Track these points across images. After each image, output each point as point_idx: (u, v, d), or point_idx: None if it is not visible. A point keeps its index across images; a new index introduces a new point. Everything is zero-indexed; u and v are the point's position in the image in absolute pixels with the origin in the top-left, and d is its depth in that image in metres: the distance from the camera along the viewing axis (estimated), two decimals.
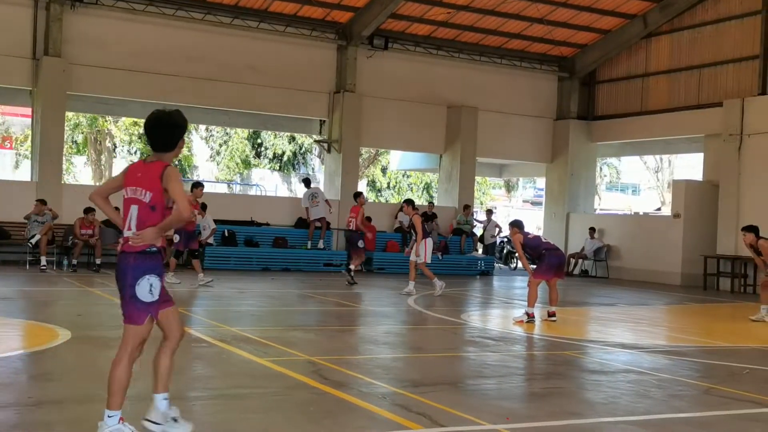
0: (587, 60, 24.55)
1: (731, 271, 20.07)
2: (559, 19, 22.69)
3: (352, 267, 16.53)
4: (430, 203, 24.14)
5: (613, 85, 24.69)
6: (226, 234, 19.35)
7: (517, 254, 18.65)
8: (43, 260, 16.40)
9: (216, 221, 18.24)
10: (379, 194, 41.72)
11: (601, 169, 40.20)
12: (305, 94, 21.55)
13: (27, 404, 5.81)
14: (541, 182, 35.41)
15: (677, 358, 9.18)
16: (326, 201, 20.42)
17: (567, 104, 24.96)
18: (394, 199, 39.92)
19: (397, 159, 30.96)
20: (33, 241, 16.55)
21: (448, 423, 5.68)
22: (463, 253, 22.47)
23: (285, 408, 5.98)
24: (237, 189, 40.57)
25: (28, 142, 26.27)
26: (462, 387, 7.20)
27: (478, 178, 30.02)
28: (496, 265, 24.03)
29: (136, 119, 32.97)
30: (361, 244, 16.64)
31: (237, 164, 39.44)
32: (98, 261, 16.88)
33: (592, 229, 23.36)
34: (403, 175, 41.89)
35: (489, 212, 26.53)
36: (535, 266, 12.07)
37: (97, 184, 33.59)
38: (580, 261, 23.47)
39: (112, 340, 8.64)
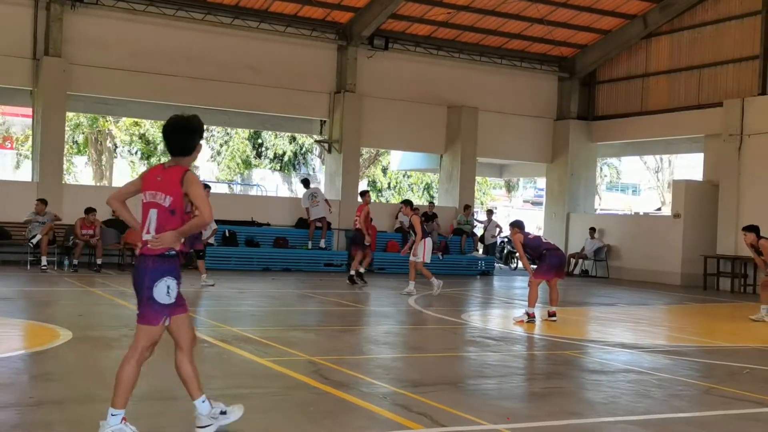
0: (587, 60, 24.56)
1: (731, 271, 20.07)
2: (559, 19, 22.70)
3: (361, 270, 16.54)
4: (431, 203, 24.14)
5: (614, 86, 24.70)
6: (227, 234, 19.36)
7: (517, 254, 18.68)
8: (44, 260, 16.41)
9: (217, 221, 18.21)
10: (379, 194, 41.72)
11: (601, 169, 40.21)
12: (306, 95, 21.56)
13: (28, 404, 5.82)
14: (541, 182, 35.44)
15: (677, 357, 9.19)
16: (326, 201, 20.43)
17: (567, 104, 24.97)
18: (395, 200, 39.91)
19: (397, 159, 30.96)
20: (34, 241, 16.56)
21: (448, 423, 5.69)
22: (464, 253, 22.48)
23: (285, 408, 5.99)
24: (237, 189, 40.59)
25: (29, 143, 26.28)
26: (462, 387, 7.21)
27: (478, 178, 30.03)
28: (496, 265, 24.04)
29: (136, 119, 33.03)
30: (367, 242, 16.67)
31: (237, 164, 39.45)
32: (99, 261, 16.89)
33: (592, 229, 23.36)
34: (404, 176, 41.91)
35: (489, 212, 26.54)
36: (535, 266, 12.07)
37: (98, 184, 33.62)
38: (581, 261, 23.47)
39: (113, 340, 8.66)
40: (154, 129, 35.68)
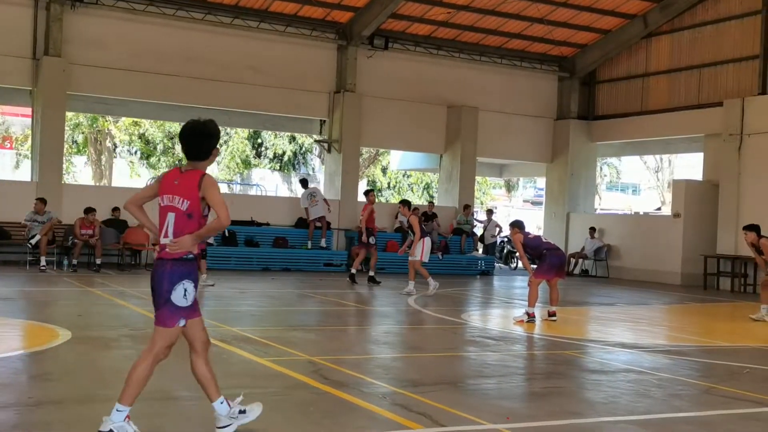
0: (587, 60, 24.55)
1: (731, 270, 20.07)
2: (559, 19, 22.69)
3: (372, 273, 16.55)
4: (431, 203, 24.13)
5: (614, 85, 24.69)
6: (227, 234, 19.35)
7: (517, 254, 18.67)
8: (43, 260, 16.39)
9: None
10: (379, 194, 41.72)
11: (601, 168, 40.20)
12: (305, 94, 21.55)
13: (27, 404, 5.82)
14: (541, 182, 35.42)
15: (677, 357, 9.18)
16: (325, 200, 20.43)
17: (567, 104, 24.96)
18: (395, 199, 39.90)
19: (397, 159, 30.95)
20: (33, 241, 16.53)
21: (448, 423, 5.68)
22: (464, 253, 22.47)
23: (285, 408, 5.98)
24: (237, 189, 40.57)
25: (29, 142, 26.27)
26: (462, 387, 7.20)
27: (478, 178, 30.02)
28: (496, 264, 24.03)
29: (136, 119, 33.02)
30: (372, 240, 16.68)
31: (237, 164, 39.44)
32: (98, 261, 16.88)
33: (592, 229, 23.36)
34: (404, 175, 41.90)
35: (489, 212, 26.54)
36: (535, 266, 12.07)
37: (97, 184, 33.61)
38: (581, 261, 23.47)
39: (112, 340, 8.66)
40: (153, 129, 35.69)
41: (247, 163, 40.35)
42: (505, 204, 51.31)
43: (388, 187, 42.65)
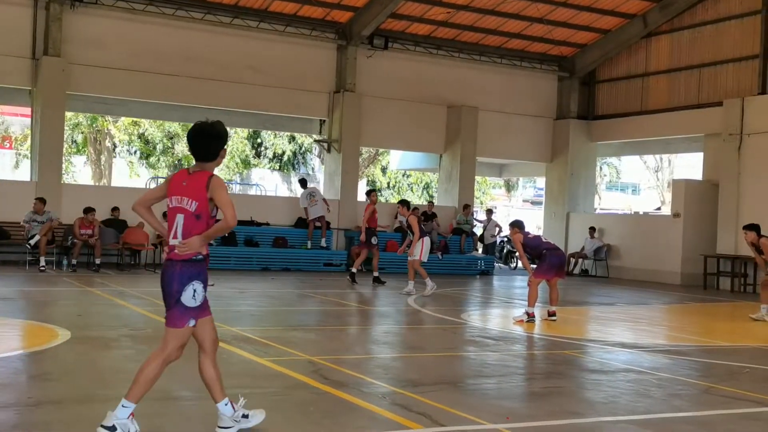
0: (587, 60, 24.55)
1: (731, 270, 20.07)
2: (558, 18, 22.69)
3: (376, 274, 16.56)
4: (430, 203, 24.12)
5: (613, 85, 24.69)
6: (226, 234, 19.29)
7: (517, 254, 18.67)
8: (42, 261, 16.37)
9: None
10: (379, 194, 41.68)
11: (601, 168, 40.20)
12: (305, 94, 21.54)
13: (27, 404, 5.81)
14: (541, 182, 35.42)
15: (677, 357, 9.18)
16: (324, 200, 20.42)
17: (567, 104, 24.96)
18: (394, 199, 39.90)
19: (397, 159, 30.95)
20: (32, 242, 16.51)
21: (448, 422, 5.68)
22: (463, 253, 22.46)
23: (285, 408, 5.98)
24: (237, 189, 40.55)
25: (28, 142, 26.27)
26: (462, 386, 7.20)
27: (478, 178, 30.02)
28: (496, 264, 24.03)
29: (135, 119, 33.00)
30: (374, 241, 16.69)
31: (237, 164, 39.43)
32: (98, 261, 16.88)
33: (592, 229, 23.36)
34: (403, 175, 41.90)
35: (489, 212, 26.53)
36: (535, 266, 12.06)
37: (97, 184, 33.59)
38: (580, 260, 23.46)
39: (111, 340, 8.66)
40: (153, 129, 35.67)
41: (246, 163, 40.35)
42: (504, 204, 51.32)
43: (388, 186, 42.65)
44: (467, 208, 23.04)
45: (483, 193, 44.40)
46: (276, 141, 40.22)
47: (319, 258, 20.01)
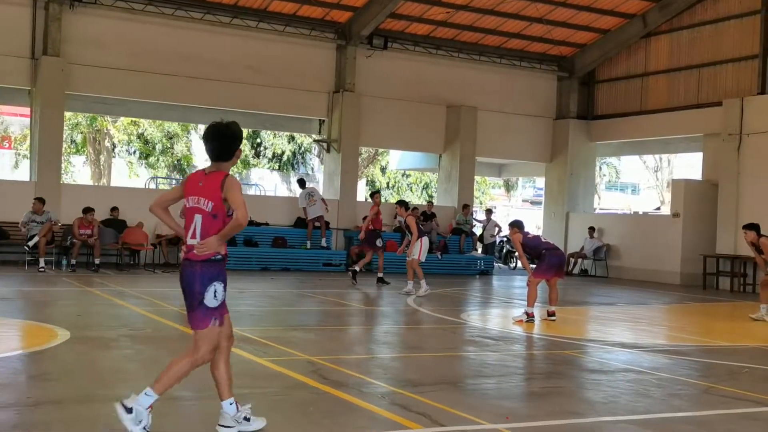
0: (586, 59, 24.55)
1: (730, 270, 20.07)
2: (558, 18, 22.69)
3: (380, 275, 16.53)
4: (430, 202, 24.12)
5: (613, 85, 24.69)
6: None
7: (516, 254, 18.66)
8: (41, 261, 16.35)
9: None
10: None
11: (600, 168, 40.20)
12: (304, 94, 21.54)
13: (26, 404, 5.81)
14: (540, 182, 35.41)
15: (677, 357, 9.18)
16: (322, 200, 20.42)
17: (566, 104, 24.96)
18: (394, 199, 39.91)
19: (396, 158, 30.94)
20: (30, 243, 16.48)
21: (447, 422, 5.68)
22: (463, 253, 22.46)
23: (285, 408, 5.98)
24: None
25: (27, 142, 26.24)
26: (462, 386, 7.20)
27: (477, 178, 30.00)
28: (495, 264, 24.03)
29: (134, 119, 32.99)
30: (379, 242, 16.69)
31: (236, 164, 39.45)
32: (97, 261, 16.87)
33: (591, 229, 23.36)
34: (403, 175, 41.89)
35: (488, 212, 26.52)
36: (534, 266, 12.06)
37: (96, 184, 33.57)
38: (580, 260, 23.46)
39: (111, 340, 8.65)
40: (152, 129, 35.66)
41: (245, 163, 40.34)
42: (504, 204, 51.31)
43: (387, 186, 42.64)
44: (466, 208, 23.04)
45: (482, 193, 44.41)
46: (275, 141, 40.21)
47: (318, 258, 20.01)
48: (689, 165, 39.67)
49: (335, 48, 21.78)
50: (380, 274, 16.63)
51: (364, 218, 20.24)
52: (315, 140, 25.22)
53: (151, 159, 37.46)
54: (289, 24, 21.03)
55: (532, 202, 52.84)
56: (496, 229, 24.91)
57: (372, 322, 11.99)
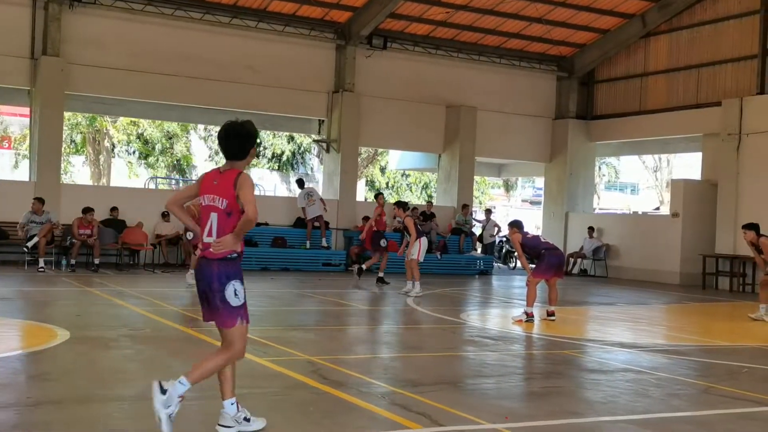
0: (586, 59, 24.56)
1: (730, 270, 20.08)
2: (557, 18, 22.70)
3: (381, 274, 16.54)
4: (429, 202, 24.13)
5: (612, 85, 24.70)
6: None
7: (516, 254, 18.67)
8: (41, 262, 16.35)
9: None
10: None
11: (599, 168, 40.20)
12: (304, 94, 21.54)
13: (26, 404, 5.81)
14: (539, 182, 35.42)
15: (676, 357, 9.18)
16: (321, 200, 20.43)
17: (566, 104, 24.97)
18: (393, 199, 39.90)
19: (395, 158, 30.94)
20: (30, 244, 16.47)
21: (447, 422, 5.68)
22: (462, 253, 22.47)
23: (284, 408, 5.98)
24: None
25: (27, 142, 26.24)
26: (461, 386, 7.20)
27: (476, 178, 30.01)
28: (495, 264, 24.03)
29: (134, 119, 32.99)
30: (383, 243, 16.70)
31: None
32: (97, 261, 16.87)
33: (591, 229, 23.37)
34: (402, 175, 41.89)
35: (488, 212, 26.52)
36: (534, 266, 12.06)
37: (95, 184, 33.57)
38: (579, 260, 23.47)
39: (110, 340, 8.65)
40: (152, 129, 35.66)
41: None
42: (503, 204, 51.31)
43: (387, 186, 42.65)
44: (466, 207, 23.05)
45: (482, 192, 44.41)
46: (275, 141, 40.21)
47: (317, 258, 20.01)
48: (688, 165, 39.68)
49: (335, 48, 21.79)
50: (380, 274, 16.64)
51: (364, 218, 20.32)
52: (314, 140, 25.22)
53: (151, 159, 37.46)
54: (289, 24, 21.03)
55: (532, 202, 52.84)
56: (496, 229, 24.91)
57: (372, 322, 12.00)
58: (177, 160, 37.49)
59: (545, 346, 10.05)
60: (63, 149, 22.70)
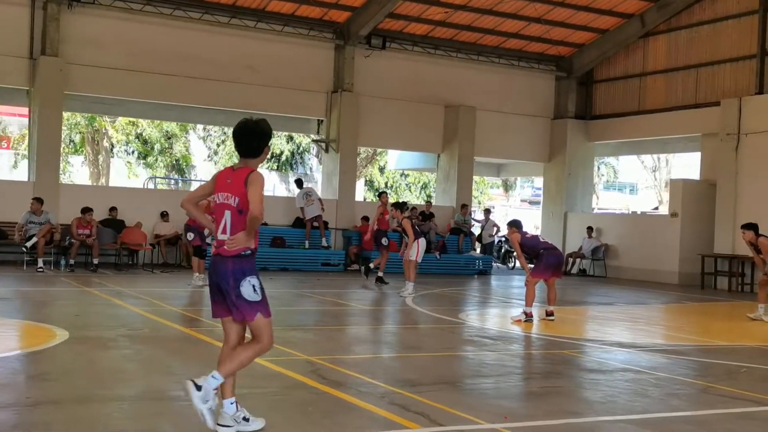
0: (585, 59, 24.57)
1: (729, 270, 20.08)
2: (556, 18, 22.70)
3: (380, 274, 16.56)
4: (428, 202, 24.14)
5: (611, 85, 24.71)
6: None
7: (515, 253, 18.68)
8: (40, 262, 16.33)
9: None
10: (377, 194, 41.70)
11: (598, 168, 40.21)
12: (303, 94, 21.54)
13: (25, 404, 5.81)
14: (538, 181, 35.44)
15: (675, 356, 9.19)
16: (320, 200, 20.44)
17: (564, 103, 24.98)
18: (392, 199, 39.81)
19: (395, 158, 30.94)
20: (28, 244, 16.46)
21: (446, 422, 5.68)
22: (461, 253, 22.47)
23: (284, 408, 5.98)
24: None
25: (26, 142, 26.23)
26: (460, 386, 7.20)
27: (475, 178, 30.03)
28: (494, 264, 24.04)
29: (133, 119, 32.97)
30: (384, 242, 16.70)
31: (235, 164, 39.39)
32: (96, 261, 16.86)
33: (589, 229, 23.38)
34: (401, 175, 41.89)
35: (487, 211, 26.53)
36: (533, 265, 12.06)
37: (94, 184, 33.56)
38: (578, 260, 23.48)
39: (110, 340, 8.65)
40: (151, 129, 35.64)
41: None
42: (502, 203, 51.31)
43: (386, 186, 42.64)
44: (465, 207, 23.06)
45: (481, 192, 44.42)
46: (274, 141, 40.19)
47: (316, 258, 20.01)
48: (687, 165, 39.66)
49: (334, 48, 21.79)
50: (380, 274, 16.64)
51: (363, 218, 20.33)
52: (313, 140, 25.23)
53: (150, 159, 37.44)
54: (288, 24, 21.03)
55: (531, 202, 52.85)
56: (495, 228, 24.91)
57: (371, 322, 12.00)
58: (176, 160, 37.47)
59: (544, 346, 10.05)
60: (62, 149, 22.69)
